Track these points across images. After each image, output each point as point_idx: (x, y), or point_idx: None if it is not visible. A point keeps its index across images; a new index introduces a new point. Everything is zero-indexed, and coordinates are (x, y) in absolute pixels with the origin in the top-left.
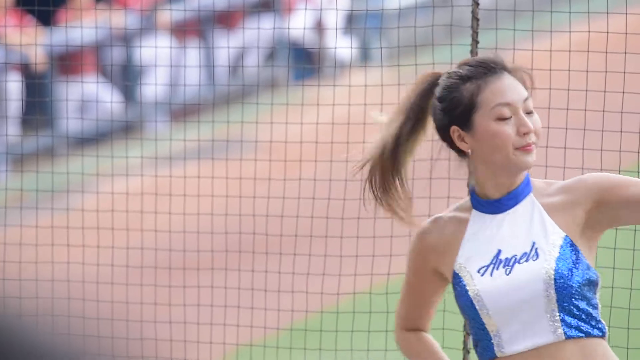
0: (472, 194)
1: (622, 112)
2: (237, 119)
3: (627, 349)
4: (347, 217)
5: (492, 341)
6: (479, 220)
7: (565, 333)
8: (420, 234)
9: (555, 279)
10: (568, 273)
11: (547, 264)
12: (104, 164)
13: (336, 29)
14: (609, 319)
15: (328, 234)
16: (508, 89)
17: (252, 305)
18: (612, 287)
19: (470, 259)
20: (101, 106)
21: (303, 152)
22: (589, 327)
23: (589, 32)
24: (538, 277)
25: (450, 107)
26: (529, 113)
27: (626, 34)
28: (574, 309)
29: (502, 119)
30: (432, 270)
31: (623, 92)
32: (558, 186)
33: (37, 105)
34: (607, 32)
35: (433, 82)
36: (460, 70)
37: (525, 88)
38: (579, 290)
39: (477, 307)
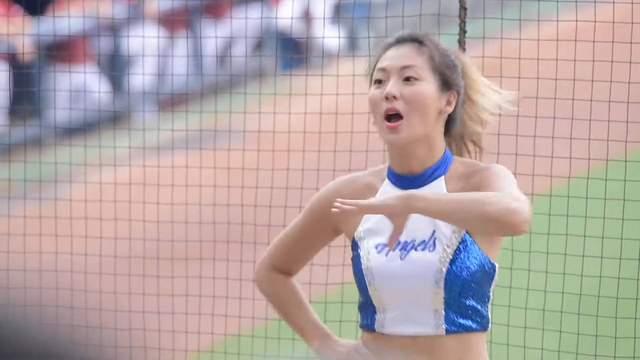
0: (389, 166)
1: (609, 102)
2: (225, 109)
3: (615, 338)
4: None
5: (375, 315)
6: (387, 192)
7: (446, 328)
8: (333, 189)
9: (446, 276)
10: (461, 271)
11: (441, 258)
12: (92, 154)
13: (324, 19)
14: (597, 308)
15: None
16: (393, 55)
17: (241, 295)
18: (600, 277)
19: (370, 232)
20: (89, 96)
21: (291, 142)
22: (472, 322)
23: (576, 21)
24: (430, 270)
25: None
26: (407, 80)
27: (613, 22)
28: (461, 306)
29: (377, 82)
30: (331, 226)
31: (610, 81)
32: (470, 171)
33: (25, 95)
34: (595, 21)
35: None
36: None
37: (428, 62)
38: (470, 287)
39: (366, 281)
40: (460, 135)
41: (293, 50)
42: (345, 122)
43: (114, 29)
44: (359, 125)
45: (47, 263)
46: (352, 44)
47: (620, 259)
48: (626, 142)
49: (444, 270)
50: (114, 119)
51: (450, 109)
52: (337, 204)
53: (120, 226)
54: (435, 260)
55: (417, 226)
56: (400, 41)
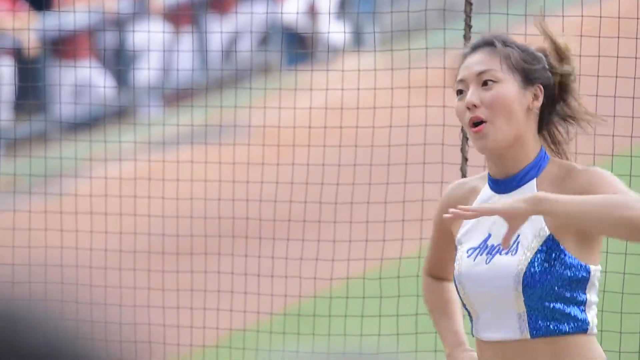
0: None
1: (615, 97)
2: (230, 104)
3: (620, 333)
4: (340, 202)
5: (472, 322)
6: (485, 196)
7: (530, 332)
8: (445, 194)
9: (523, 279)
10: (540, 275)
11: (521, 262)
12: (97, 149)
13: (329, 14)
14: (602, 303)
15: (321, 218)
16: (470, 64)
17: (246, 290)
18: (605, 272)
19: (466, 235)
20: (94, 91)
21: (296, 137)
22: (561, 325)
23: (582, 16)
24: (510, 273)
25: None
26: (485, 85)
27: (619, 18)
28: (545, 309)
29: (458, 92)
30: (449, 229)
31: (616, 77)
32: (568, 173)
33: (30, 90)
34: (600, 17)
35: None
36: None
37: (504, 63)
38: (553, 290)
39: (458, 286)
40: (563, 118)
41: (298, 45)
42: (351, 117)
43: (119, 24)
44: (364, 120)
45: (52, 258)
46: (358, 39)
47: (626, 254)
48: (632, 137)
49: (522, 273)
50: (119, 113)
51: (538, 104)
52: (452, 210)
53: (126, 221)
54: (514, 263)
55: (503, 231)
56: (474, 48)
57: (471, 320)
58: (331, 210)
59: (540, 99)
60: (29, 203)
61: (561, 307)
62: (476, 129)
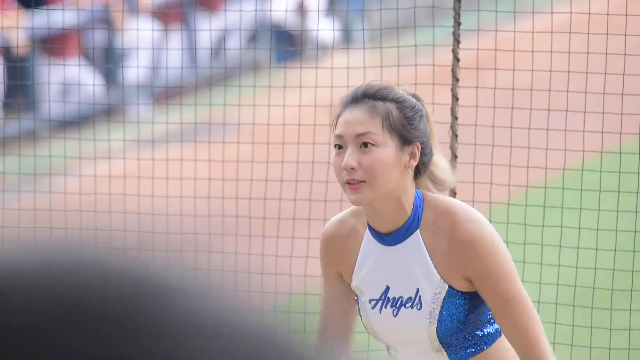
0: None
1: (604, 94)
2: (219, 102)
3: (610, 329)
4: (329, 200)
5: (390, 352)
6: (370, 244)
7: None
8: (325, 238)
9: (437, 330)
10: (450, 323)
11: (429, 318)
12: (86, 147)
13: (318, 11)
14: (592, 300)
15: (311, 216)
16: (350, 120)
17: (236, 288)
18: (595, 269)
19: (362, 285)
20: (83, 89)
21: (286, 135)
22: (478, 346)
23: (570, 13)
24: (422, 327)
25: None
26: (364, 147)
27: (608, 14)
28: (460, 341)
29: (336, 148)
30: (338, 274)
31: (605, 73)
32: (444, 220)
33: (19, 88)
34: (589, 13)
35: None
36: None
37: (384, 124)
38: (463, 327)
39: (370, 331)
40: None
41: (287, 43)
42: None
43: (109, 22)
44: None
45: None
46: (347, 37)
47: (615, 250)
48: (621, 133)
49: (434, 326)
50: (109, 112)
51: (414, 162)
52: None
53: (115, 219)
54: (424, 318)
55: (402, 283)
56: (354, 100)
57: (389, 349)
58: (321, 208)
59: (417, 156)
60: (18, 201)
61: (478, 332)
62: (353, 186)
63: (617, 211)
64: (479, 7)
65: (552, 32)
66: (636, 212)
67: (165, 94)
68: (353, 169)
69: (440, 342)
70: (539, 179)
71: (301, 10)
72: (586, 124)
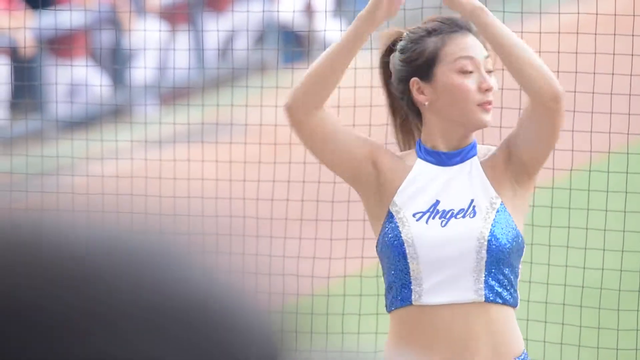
0: (419, 145)
1: (611, 94)
2: (226, 102)
3: (618, 330)
4: (337, 200)
5: (411, 287)
6: (421, 169)
7: (485, 296)
8: (379, 145)
9: (489, 241)
10: (502, 238)
11: (483, 224)
12: (93, 147)
13: (325, 12)
14: (599, 300)
15: (318, 217)
16: (471, 45)
17: (243, 289)
18: (603, 269)
19: (406, 203)
20: (90, 90)
21: (293, 135)
22: (508, 294)
23: (578, 13)
24: (472, 235)
25: (412, 59)
26: (488, 72)
27: (615, 15)
28: (500, 275)
29: (464, 71)
30: (371, 163)
31: (612, 74)
32: (492, 152)
33: (26, 89)
34: (597, 14)
35: (396, 39)
36: (426, 25)
37: (486, 49)
38: (508, 256)
39: (406, 251)
40: None
41: (295, 44)
42: (347, 114)
43: (116, 22)
44: (360, 117)
45: None
46: None
47: (623, 251)
48: (628, 134)
49: (487, 235)
50: (116, 112)
51: None
52: None
53: (122, 219)
54: (477, 225)
55: (455, 196)
56: (460, 28)
57: (407, 287)
58: (328, 209)
59: None
60: (25, 200)
61: (509, 275)
62: (488, 106)
63: (625, 212)
64: (486, 7)
65: (559, 33)
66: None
67: (172, 94)
68: (489, 90)
69: (488, 256)
70: (546, 180)
71: (308, 10)
72: (593, 124)
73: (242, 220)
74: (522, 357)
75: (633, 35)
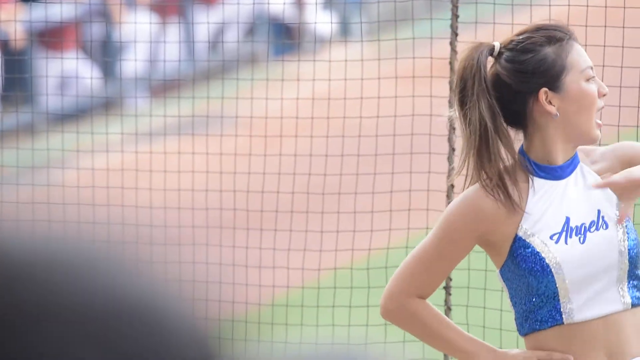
0: (530, 161)
1: None
2: (217, 95)
3: None
4: (327, 193)
5: (560, 309)
6: (540, 187)
7: (632, 302)
8: (473, 200)
9: (629, 250)
10: (636, 242)
11: (619, 233)
12: (84, 140)
13: (316, 4)
14: None
15: (309, 209)
16: (585, 53)
17: (234, 281)
18: None
19: (537, 225)
20: (81, 82)
21: (283, 128)
22: None
23: (569, 5)
24: (613, 246)
25: (540, 70)
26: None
27: (606, 7)
28: (636, 279)
29: (590, 78)
30: (477, 238)
31: (603, 66)
32: (598, 153)
33: (17, 81)
34: (587, 6)
35: (487, 53)
36: (536, 35)
37: None
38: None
39: (554, 274)
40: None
41: (285, 36)
42: (338, 107)
43: (106, 15)
44: (351, 110)
45: None
46: (345, 30)
47: None
48: (619, 126)
49: (625, 243)
50: (106, 105)
51: None
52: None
53: (113, 212)
54: (614, 235)
55: (582, 210)
56: (572, 35)
57: (556, 308)
58: (319, 201)
59: None
60: (16, 194)
61: None
62: (600, 123)
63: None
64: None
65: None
66: (635, 204)
67: (163, 87)
68: (606, 95)
69: (630, 262)
70: None
71: (299, 3)
72: None
73: (232, 212)
74: None
75: (624, 27)
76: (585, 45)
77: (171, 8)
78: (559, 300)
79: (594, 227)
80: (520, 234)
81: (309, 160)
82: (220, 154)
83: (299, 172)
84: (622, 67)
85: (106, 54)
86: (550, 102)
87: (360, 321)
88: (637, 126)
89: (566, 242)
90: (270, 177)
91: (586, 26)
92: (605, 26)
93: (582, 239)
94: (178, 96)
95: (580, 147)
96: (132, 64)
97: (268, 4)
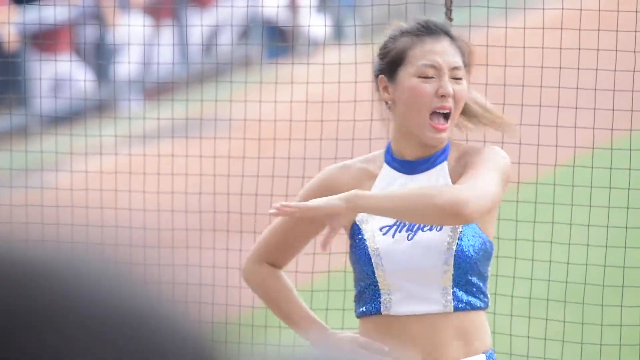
0: (388, 149)
1: (595, 89)
2: (210, 98)
3: (601, 325)
4: None
5: (380, 298)
6: (388, 177)
7: (454, 306)
8: (326, 176)
9: (455, 254)
10: (468, 249)
11: (450, 237)
12: (77, 143)
13: (309, 7)
14: (583, 296)
15: None
16: (440, 52)
17: (227, 284)
18: (587, 265)
19: (372, 215)
20: (74, 85)
21: (277, 131)
22: (477, 300)
23: (562, 9)
24: (439, 248)
25: (383, 56)
26: (456, 79)
27: (599, 11)
28: (467, 284)
29: (424, 77)
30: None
31: (596, 70)
32: (463, 153)
33: (10, 84)
34: (581, 10)
35: None
36: (405, 24)
37: (463, 60)
38: (475, 265)
39: (373, 264)
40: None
41: (279, 39)
42: (332, 110)
43: (100, 17)
44: (345, 113)
45: None
46: (338, 33)
47: (607, 246)
48: (612, 130)
49: (453, 248)
50: (100, 107)
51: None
52: (276, 205)
53: (107, 214)
54: (443, 239)
55: None
56: (433, 33)
57: (376, 297)
58: None
59: None
60: (9, 197)
61: (477, 282)
62: (441, 127)
63: (609, 207)
64: (471, 2)
65: (543, 28)
66: (627, 208)
67: (156, 89)
68: (446, 96)
69: (454, 270)
70: (530, 175)
71: (293, 6)
72: (577, 120)
73: (226, 215)
74: (489, 352)
75: (617, 31)
76: (579, 49)
77: (165, 11)
78: (379, 290)
79: (427, 228)
80: (357, 220)
81: (302, 163)
82: (213, 156)
83: (293, 175)
84: (615, 70)
85: (100, 57)
86: (387, 90)
87: (353, 324)
88: (631, 130)
89: (393, 236)
90: (263, 180)
91: (580, 30)
92: (598, 30)
93: (411, 236)
94: (172, 99)
95: (464, 145)
96: (126, 66)
97: (262, 6)
